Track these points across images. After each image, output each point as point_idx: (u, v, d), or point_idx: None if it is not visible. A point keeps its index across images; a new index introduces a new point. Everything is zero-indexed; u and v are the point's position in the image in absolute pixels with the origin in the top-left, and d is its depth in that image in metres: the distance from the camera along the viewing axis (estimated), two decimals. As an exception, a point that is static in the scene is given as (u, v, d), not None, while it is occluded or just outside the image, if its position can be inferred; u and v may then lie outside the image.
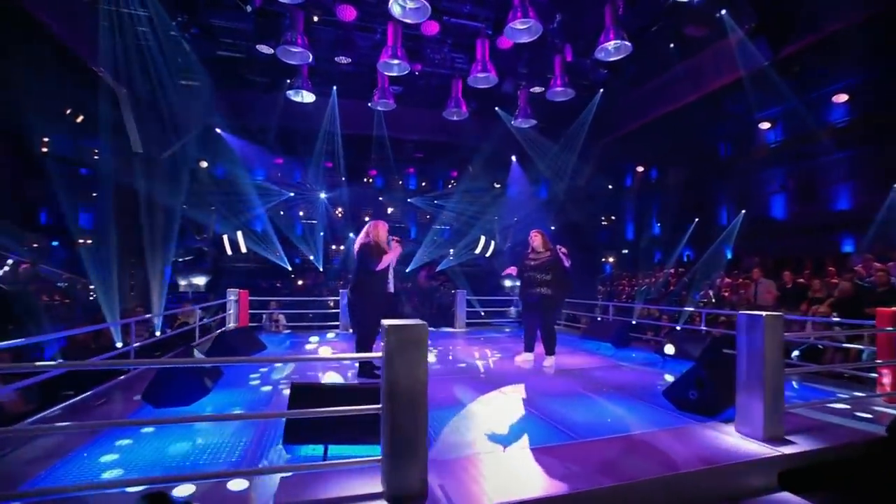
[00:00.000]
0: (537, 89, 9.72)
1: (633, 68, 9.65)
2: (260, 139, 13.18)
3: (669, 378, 5.02)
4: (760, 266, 10.25)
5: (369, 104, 8.52)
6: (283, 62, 7.61)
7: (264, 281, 15.15)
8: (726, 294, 10.95)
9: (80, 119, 11.76)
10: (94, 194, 12.86)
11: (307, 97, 8.07)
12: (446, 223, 19.63)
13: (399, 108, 11.80)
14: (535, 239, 5.81)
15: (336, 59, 8.79)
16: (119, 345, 6.53)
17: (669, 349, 6.03)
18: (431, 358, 6.15)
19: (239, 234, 15.08)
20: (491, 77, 7.56)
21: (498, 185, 18.22)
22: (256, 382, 4.82)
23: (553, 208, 13.99)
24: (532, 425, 3.54)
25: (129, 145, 10.36)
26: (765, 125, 13.36)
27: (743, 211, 14.42)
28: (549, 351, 5.80)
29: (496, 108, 11.49)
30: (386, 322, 2.50)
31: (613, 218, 18.46)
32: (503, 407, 4.02)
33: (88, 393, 4.29)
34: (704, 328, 6.50)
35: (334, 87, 10.62)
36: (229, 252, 15.30)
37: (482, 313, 10.92)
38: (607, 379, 5.07)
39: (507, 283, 16.06)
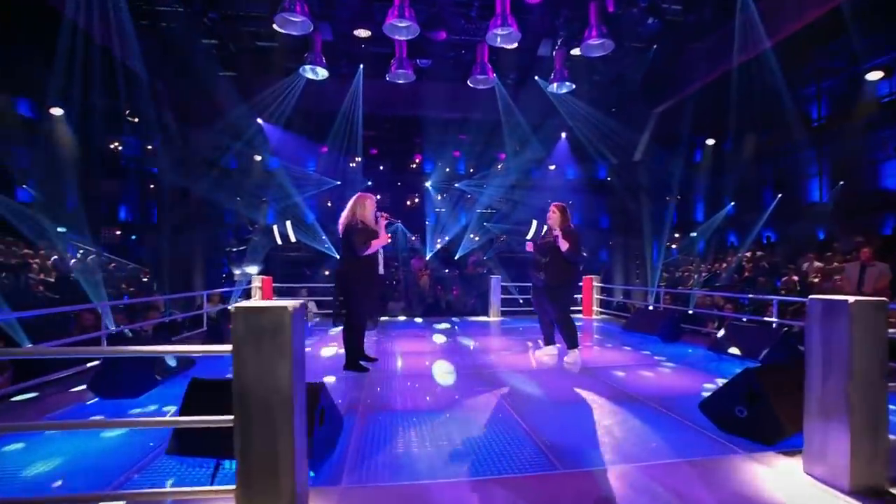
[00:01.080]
0: (577, 52, 8.46)
1: (691, 16, 8.09)
2: (301, 127, 12.96)
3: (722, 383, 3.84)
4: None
5: (387, 76, 7.77)
6: (307, 44, 7.18)
7: (310, 269, 15.09)
8: (816, 280, 9.07)
9: (136, 120, 12.16)
10: (153, 188, 13.38)
11: (322, 73, 7.48)
12: (496, 208, 18.63)
13: (434, 84, 11.06)
14: (552, 214, 4.79)
15: (355, 32, 8.14)
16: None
17: (725, 341, 4.77)
18: (430, 350, 5.35)
19: (288, 224, 15.12)
20: (513, 33, 6.50)
21: (553, 167, 16.89)
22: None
23: (608, 187, 12.51)
24: (511, 445, 2.63)
25: (175, 141, 10.47)
26: (874, 75, 10.89)
27: (841, 183, 12.05)
28: (570, 344, 4.77)
29: (535, 78, 10.29)
30: (235, 305, 1.73)
31: (679, 197, 16.40)
32: (483, 418, 3.12)
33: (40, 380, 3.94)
34: (777, 320, 5.10)
35: (360, 66, 10.00)
36: (279, 242, 15.40)
37: (521, 301, 9.91)
38: (639, 382, 3.98)
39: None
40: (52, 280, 10.44)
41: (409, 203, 17.65)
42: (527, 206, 15.83)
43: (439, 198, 19.00)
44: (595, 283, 9.10)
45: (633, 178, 11.48)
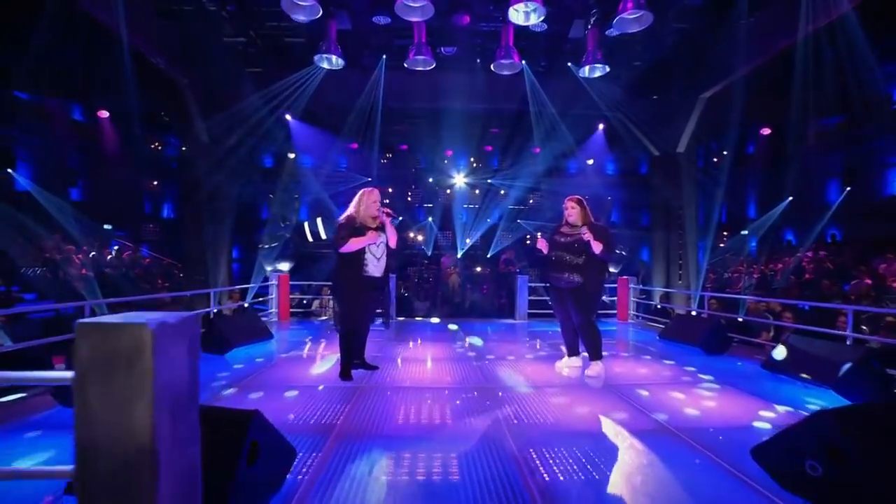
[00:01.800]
0: (613, 32, 7.65)
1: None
2: (329, 124, 12.73)
3: (778, 416, 3.09)
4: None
5: (405, 63, 7.27)
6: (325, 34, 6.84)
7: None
8: None
9: (167, 119, 12.29)
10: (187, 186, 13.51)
11: (337, 62, 7.09)
12: (530, 203, 17.84)
13: (460, 75, 10.48)
14: (571, 209, 4.14)
15: (374, 19, 7.70)
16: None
17: (780, 353, 3.96)
18: (439, 357, 4.81)
19: (319, 221, 15.02)
20: (539, 8, 5.83)
21: (590, 162, 15.92)
22: (222, 382, 3.90)
23: (648, 181, 11.52)
24: (503, 486, 2.06)
25: (202, 139, 10.44)
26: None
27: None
28: (594, 354, 4.13)
29: (568, 64, 9.51)
30: (81, 321, 1.26)
31: (727, 192, 15.00)
32: (476, 449, 2.55)
33: None
34: (852, 334, 4.21)
35: (383, 57, 9.57)
36: (310, 239, 15.34)
37: (550, 302, 9.19)
38: (673, 407, 3.28)
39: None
40: (91, 275, 10.69)
41: (439, 199, 17.15)
42: (561, 201, 14.97)
43: (477, 191, 18.42)
44: (631, 286, 8.27)
45: (676, 171, 10.45)
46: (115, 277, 11.05)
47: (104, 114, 14.31)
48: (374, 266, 3.85)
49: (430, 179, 16.80)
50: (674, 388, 3.75)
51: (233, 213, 10.84)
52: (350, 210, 3.90)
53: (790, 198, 13.40)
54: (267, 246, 15.50)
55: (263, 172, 15.89)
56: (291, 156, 16.47)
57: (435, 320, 8.29)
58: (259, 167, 14.99)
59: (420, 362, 4.64)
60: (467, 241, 16.73)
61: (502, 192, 16.87)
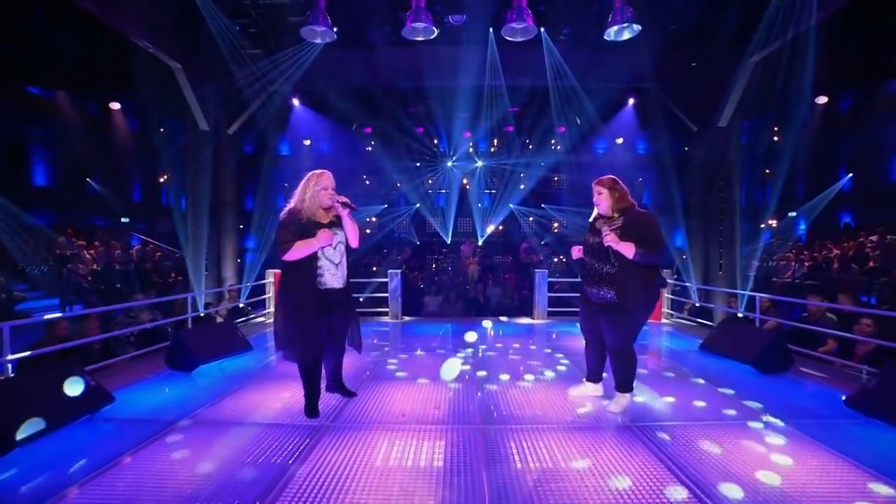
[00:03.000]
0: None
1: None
2: (338, 107, 11.94)
3: (887, 489, 2.16)
4: None
5: (402, 33, 6.35)
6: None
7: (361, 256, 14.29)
8: None
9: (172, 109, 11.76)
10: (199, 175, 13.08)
11: (325, 35, 6.24)
12: (554, 187, 16.72)
13: (473, 48, 9.45)
14: (598, 196, 3.16)
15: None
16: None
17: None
18: (429, 380, 4.01)
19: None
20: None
21: (620, 141, 14.63)
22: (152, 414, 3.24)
23: (686, 161, 10.27)
24: None
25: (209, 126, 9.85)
26: None
27: None
28: (621, 386, 3.25)
29: (594, 32, 8.32)
30: None
31: (767, 171, 13.44)
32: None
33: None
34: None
35: (387, 30, 8.63)
36: (326, 228, 14.75)
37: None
38: (724, 469, 2.37)
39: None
40: (99, 270, 10.40)
41: (459, 184, 16.23)
42: (588, 185, 13.81)
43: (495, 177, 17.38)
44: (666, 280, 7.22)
45: (717, 148, 9.18)
46: (124, 273, 10.73)
47: (115, 105, 13.98)
48: (332, 275, 2.98)
49: (449, 163, 15.86)
50: (721, 433, 2.82)
51: (236, 203, 10.29)
52: (292, 202, 2.97)
53: (850, 174, 11.82)
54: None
55: (278, 160, 15.33)
56: (307, 142, 15.87)
57: (446, 324, 7.50)
58: (273, 154, 14.40)
59: (410, 386, 3.86)
60: (488, 228, 15.81)
61: (521, 175, 15.81)
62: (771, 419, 3.06)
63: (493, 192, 16.27)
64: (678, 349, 5.24)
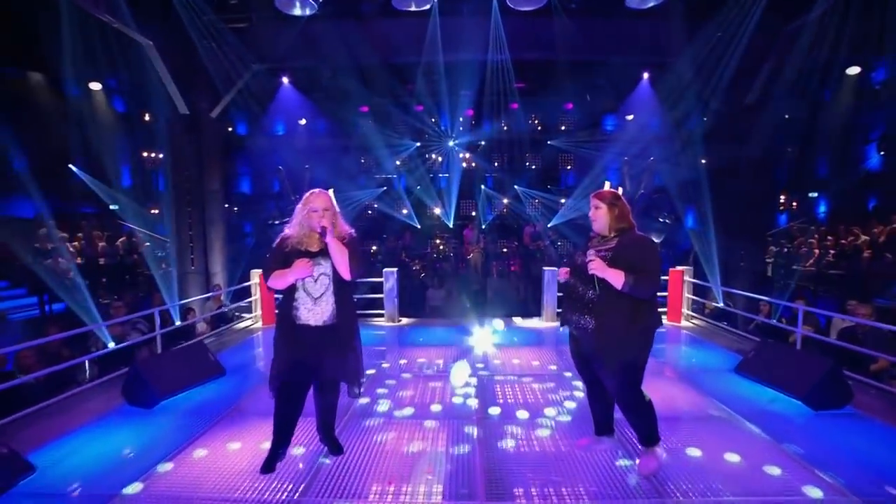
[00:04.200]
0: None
1: None
2: (331, 86, 11.06)
3: None
4: None
5: (393, 3, 5.50)
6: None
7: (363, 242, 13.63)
8: None
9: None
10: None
11: (303, 6, 5.40)
12: (563, 167, 15.85)
13: (475, 19, 8.52)
14: (595, 210, 2.62)
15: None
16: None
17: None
18: (426, 406, 3.41)
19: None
20: None
21: (630, 118, 13.67)
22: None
23: (708, 140, 9.45)
24: None
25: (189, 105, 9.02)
26: None
27: None
28: (645, 440, 2.65)
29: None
30: None
31: (789, 149, 12.52)
32: None
33: None
34: None
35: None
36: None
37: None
38: None
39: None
40: (82, 263, 9.82)
41: (464, 165, 15.42)
42: (598, 165, 12.95)
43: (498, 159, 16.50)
44: (686, 279, 6.56)
45: (743, 127, 8.35)
46: (110, 267, 10.16)
47: (96, 86, 13.07)
48: (308, 310, 2.51)
49: (451, 143, 14.98)
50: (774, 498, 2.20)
51: (224, 192, 9.58)
52: (288, 227, 2.63)
53: (881, 152, 10.94)
54: (277, 222, 14.37)
55: (274, 140, 14.48)
56: (303, 122, 14.99)
57: (445, 327, 6.90)
58: (266, 135, 13.59)
59: (404, 434, 3.26)
60: (493, 211, 15.07)
61: (527, 155, 14.96)
62: (828, 477, 2.43)
63: (496, 175, 15.43)
64: (707, 364, 4.61)
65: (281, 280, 2.46)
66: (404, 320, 7.04)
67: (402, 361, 4.93)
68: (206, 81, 8.59)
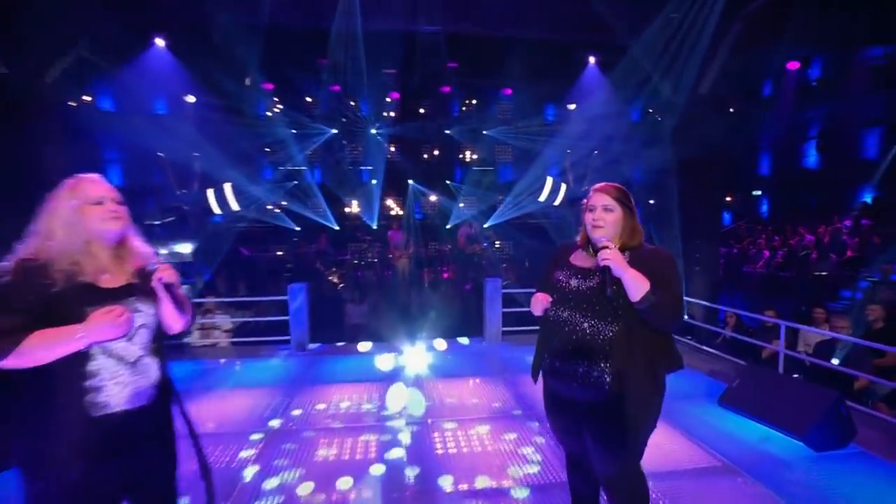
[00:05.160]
0: None
1: None
2: (219, 55, 9.77)
3: None
4: None
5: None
6: None
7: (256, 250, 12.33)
8: None
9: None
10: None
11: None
12: (500, 160, 15.61)
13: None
14: (607, 214, 1.90)
15: None
16: None
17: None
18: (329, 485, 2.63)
19: (227, 187, 12.20)
20: None
21: (572, 107, 13.67)
22: None
23: (657, 132, 9.48)
24: None
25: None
26: None
27: None
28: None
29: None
30: None
31: (734, 145, 13.20)
32: None
33: None
34: None
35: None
36: (217, 210, 12.54)
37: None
38: None
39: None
40: None
41: (389, 157, 14.61)
42: (540, 158, 12.79)
43: (436, 153, 15.88)
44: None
45: (695, 118, 8.42)
46: None
47: None
48: (122, 386, 1.52)
49: (373, 130, 14.15)
50: None
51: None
52: (26, 245, 1.52)
53: (819, 151, 11.74)
54: (158, 222, 12.65)
55: (152, 121, 12.72)
56: (191, 99, 13.34)
57: (364, 347, 6.10)
58: (144, 113, 11.86)
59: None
60: (423, 209, 14.48)
61: (461, 145, 14.54)
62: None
63: (427, 166, 14.84)
64: (685, 396, 4.24)
65: (52, 348, 1.41)
66: (316, 346, 6.15)
67: (320, 406, 4.09)
68: (36, 33, 7.04)
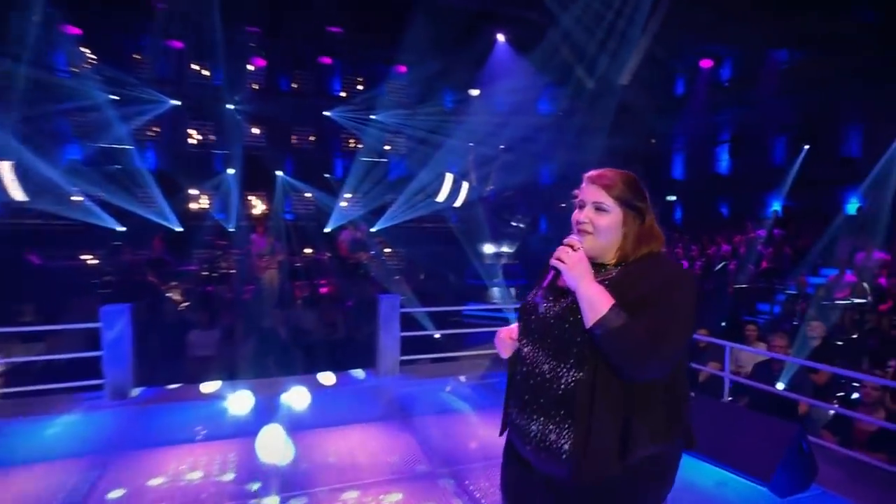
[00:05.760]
0: None
1: None
2: None
3: None
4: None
5: None
6: None
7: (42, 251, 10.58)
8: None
9: None
10: None
11: None
12: (392, 152, 15.37)
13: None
14: (601, 215, 1.59)
15: None
16: None
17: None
18: None
19: (4, 166, 10.32)
20: None
21: (476, 92, 13.86)
22: None
23: (572, 125, 9.84)
24: None
25: None
26: None
27: None
28: None
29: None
30: None
31: (653, 141, 14.41)
32: None
33: None
34: None
35: None
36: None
37: (437, 335, 6.92)
38: None
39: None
40: None
41: (252, 141, 13.64)
42: (442, 151, 12.75)
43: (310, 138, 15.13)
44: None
45: (615, 111, 8.89)
46: None
47: None
48: None
49: (230, 106, 13.09)
50: None
51: None
52: None
53: (731, 153, 13.14)
54: None
55: None
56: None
57: (211, 388, 5.32)
58: None
59: None
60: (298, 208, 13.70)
61: (342, 132, 14.10)
62: None
63: (302, 156, 14.17)
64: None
65: None
66: (141, 390, 5.25)
67: (154, 482, 3.35)
68: None
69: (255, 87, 13.40)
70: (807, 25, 10.12)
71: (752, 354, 5.42)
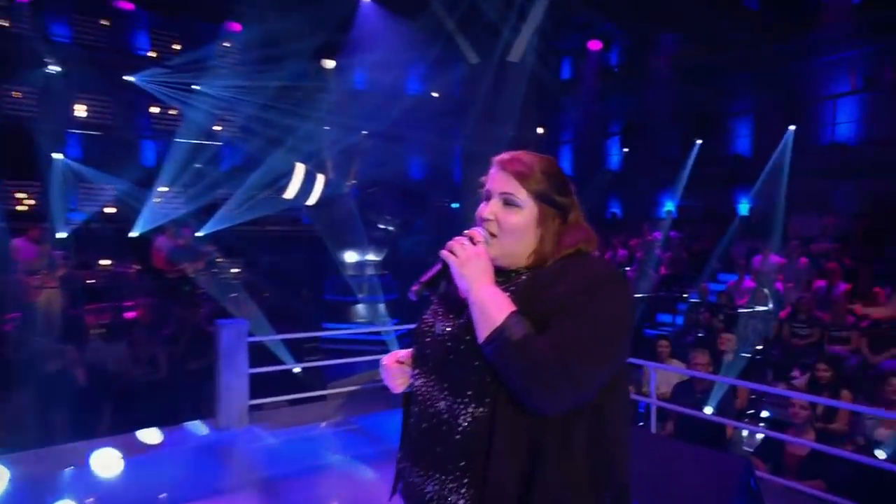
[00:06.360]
0: None
1: None
2: None
3: None
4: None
5: None
6: None
7: None
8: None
9: None
10: None
11: None
12: (225, 134, 14.79)
13: None
14: (510, 211, 1.43)
15: None
16: None
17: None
18: None
19: None
20: None
21: (331, 65, 13.62)
22: None
23: (450, 109, 9.91)
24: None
25: None
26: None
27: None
28: None
29: None
30: None
31: (541, 131, 15.18)
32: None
33: None
34: None
35: None
36: None
37: (296, 370, 6.70)
38: None
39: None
40: None
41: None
42: (291, 136, 12.48)
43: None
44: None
45: (508, 89, 9.12)
46: None
47: None
48: None
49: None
50: None
51: None
52: None
53: (626, 148, 14.05)
54: None
55: None
56: None
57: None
58: None
59: None
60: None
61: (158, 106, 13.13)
62: None
63: (96, 133, 12.87)
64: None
65: None
66: None
67: None
68: None
69: (9, 26, 11.96)
70: (691, 8, 11.14)
71: (666, 373, 5.66)
